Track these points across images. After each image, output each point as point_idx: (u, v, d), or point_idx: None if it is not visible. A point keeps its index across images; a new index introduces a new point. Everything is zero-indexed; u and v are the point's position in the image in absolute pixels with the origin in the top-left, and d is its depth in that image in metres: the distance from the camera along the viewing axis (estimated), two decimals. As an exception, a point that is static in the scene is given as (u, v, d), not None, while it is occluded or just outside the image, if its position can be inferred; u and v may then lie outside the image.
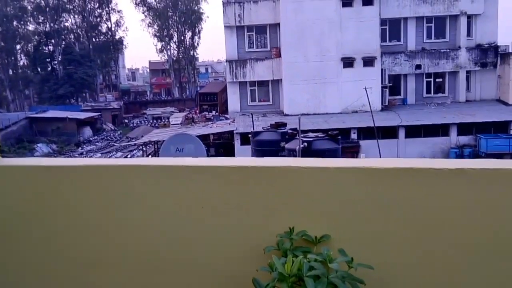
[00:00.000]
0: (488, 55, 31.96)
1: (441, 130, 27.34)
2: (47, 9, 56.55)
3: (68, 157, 31.41)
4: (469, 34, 32.12)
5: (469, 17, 31.81)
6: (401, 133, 27.12)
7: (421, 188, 1.73)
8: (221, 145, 29.60)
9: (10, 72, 59.07)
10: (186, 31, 62.63)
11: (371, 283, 1.70)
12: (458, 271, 1.75)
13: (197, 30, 63.10)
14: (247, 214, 1.90)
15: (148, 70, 78.87)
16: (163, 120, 44.59)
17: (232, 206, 1.91)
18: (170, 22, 61.14)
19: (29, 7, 57.72)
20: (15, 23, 56.95)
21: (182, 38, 62.74)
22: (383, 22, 30.83)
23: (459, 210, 1.71)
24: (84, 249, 2.08)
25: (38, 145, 36.58)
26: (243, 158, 2.10)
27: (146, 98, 66.32)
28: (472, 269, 1.74)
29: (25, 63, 60.86)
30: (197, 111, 41.45)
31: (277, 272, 1.58)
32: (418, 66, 31.87)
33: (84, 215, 2.06)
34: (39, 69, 58.09)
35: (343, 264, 1.66)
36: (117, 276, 2.06)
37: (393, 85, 32.26)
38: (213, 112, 38.72)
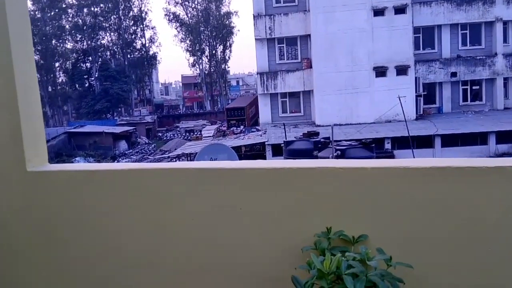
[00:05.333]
0: (526, 61, 31.02)
1: (479, 138, 26.54)
2: (85, 27, 58.57)
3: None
4: (505, 40, 31.28)
5: (505, 23, 30.99)
6: (437, 142, 26.47)
7: (459, 187, 1.72)
8: (253, 156, 29.68)
9: (50, 88, 61.29)
10: (218, 45, 63.53)
11: (411, 282, 1.69)
12: (499, 272, 1.72)
13: (228, 44, 63.94)
14: (284, 214, 1.92)
15: (180, 84, 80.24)
16: (196, 133, 45.10)
17: (269, 207, 1.95)
18: (202, 36, 62.19)
19: (67, 26, 59.93)
20: (54, 41, 59.21)
21: (214, 52, 63.65)
22: (416, 30, 30.41)
23: (499, 208, 1.69)
24: (125, 251, 2.15)
25: (76, 158, 37.65)
26: (279, 161, 2.13)
27: (179, 111, 67.40)
28: (515, 267, 1.71)
29: (64, 80, 63.03)
30: (226, 127, 41.68)
31: (316, 270, 1.60)
32: (454, 74, 31.20)
33: (125, 218, 2.14)
34: (77, 86, 60.04)
35: (381, 263, 1.66)
36: (156, 277, 2.12)
37: (428, 94, 31.65)
38: (241, 127, 38.83)
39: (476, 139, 26.48)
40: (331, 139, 16.68)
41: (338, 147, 16.08)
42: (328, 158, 15.36)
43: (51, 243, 2.23)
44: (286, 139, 22.61)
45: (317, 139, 18.45)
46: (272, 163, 2.05)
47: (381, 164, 1.87)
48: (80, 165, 2.51)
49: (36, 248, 2.24)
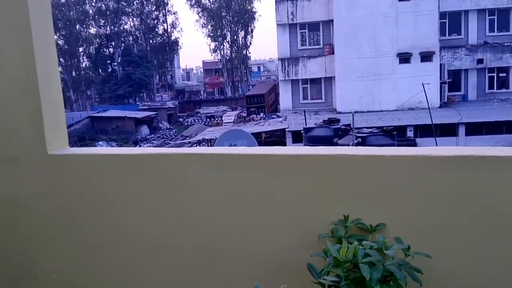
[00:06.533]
0: (557, 48, 29.99)
1: (504, 127, 25.92)
2: (108, 12, 58.99)
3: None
4: (535, 26, 30.32)
5: (536, 8, 30.01)
6: (461, 130, 25.97)
7: (481, 176, 1.67)
8: (273, 143, 29.65)
9: (73, 73, 62.16)
10: (239, 30, 63.23)
11: (429, 272, 1.66)
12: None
13: (249, 29, 63.56)
14: (301, 202, 1.91)
15: (202, 69, 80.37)
16: (216, 119, 45.22)
17: (286, 194, 1.93)
18: (224, 22, 61.96)
19: (90, 11, 60.45)
20: (78, 26, 59.85)
21: (235, 37, 63.39)
22: (442, 15, 29.63)
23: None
24: (142, 235, 2.17)
25: (99, 142, 38.24)
26: (297, 147, 2.11)
27: (200, 97, 67.62)
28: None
29: (87, 65, 63.83)
30: (245, 115, 41.56)
31: (332, 257, 1.58)
32: (480, 61, 30.39)
33: (142, 202, 2.16)
34: (100, 71, 60.71)
35: (399, 252, 1.64)
36: (172, 262, 2.14)
37: (453, 81, 30.96)
38: (261, 114, 38.69)
39: (501, 128, 25.86)
40: (351, 126, 16.51)
41: (358, 135, 15.92)
42: (348, 145, 15.22)
43: (69, 225, 2.27)
44: (306, 125, 22.48)
45: (337, 126, 18.28)
46: (290, 149, 2.03)
47: (400, 152, 1.83)
48: (99, 149, 2.54)
49: (55, 230, 2.28)
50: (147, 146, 38.70)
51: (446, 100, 30.10)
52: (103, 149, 2.52)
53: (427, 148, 1.81)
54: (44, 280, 2.33)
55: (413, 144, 25.50)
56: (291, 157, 1.95)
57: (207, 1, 61.73)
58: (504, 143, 25.12)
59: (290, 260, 1.90)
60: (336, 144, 16.54)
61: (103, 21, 60.04)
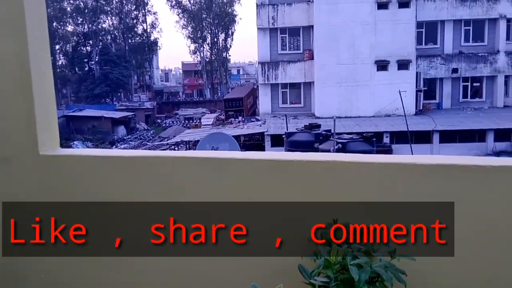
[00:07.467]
0: (529, 60, 31.00)
1: (477, 135, 26.64)
2: (86, 10, 58.15)
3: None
4: (508, 38, 31.23)
5: (509, 20, 30.92)
6: (435, 138, 26.57)
7: (463, 185, 1.77)
8: (252, 146, 29.71)
9: (49, 71, 60.79)
10: (219, 33, 63.23)
11: (413, 274, 1.74)
12: (501, 267, 1.78)
13: (230, 32, 63.63)
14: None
15: (181, 71, 79.91)
16: (195, 121, 45.05)
17: (277, 197, 1.99)
18: (204, 24, 61.85)
19: (68, 9, 59.47)
20: (54, 24, 58.71)
21: (215, 39, 63.35)
22: (419, 24, 30.31)
23: (500, 207, 1.74)
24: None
25: (75, 142, 37.58)
26: (289, 153, 2.18)
27: (179, 98, 67.18)
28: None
29: (64, 63, 62.64)
30: (223, 118, 41.52)
31: (323, 259, 1.65)
32: (455, 70, 31.18)
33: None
34: (76, 69, 59.72)
35: (385, 255, 1.72)
36: (166, 263, 2.17)
37: (428, 89, 31.68)
38: (240, 118, 38.73)
39: (474, 136, 26.58)
40: (332, 132, 16.73)
41: (339, 140, 16.14)
42: (329, 150, 15.40)
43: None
44: (287, 130, 22.61)
45: (318, 132, 18.48)
46: (282, 155, 2.09)
47: (387, 159, 1.92)
48: (91, 150, 2.55)
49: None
50: (124, 147, 38.21)
51: (421, 108, 30.76)
52: (94, 150, 2.54)
53: (413, 157, 1.90)
54: (34, 280, 2.33)
55: (389, 150, 25.94)
56: (283, 162, 2.01)
57: (188, 3, 61.58)
58: (477, 151, 25.80)
59: (283, 262, 1.96)
60: (317, 149, 16.71)
61: (81, 19, 59.13)
